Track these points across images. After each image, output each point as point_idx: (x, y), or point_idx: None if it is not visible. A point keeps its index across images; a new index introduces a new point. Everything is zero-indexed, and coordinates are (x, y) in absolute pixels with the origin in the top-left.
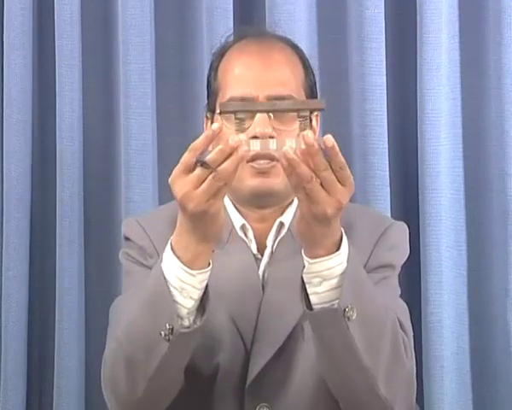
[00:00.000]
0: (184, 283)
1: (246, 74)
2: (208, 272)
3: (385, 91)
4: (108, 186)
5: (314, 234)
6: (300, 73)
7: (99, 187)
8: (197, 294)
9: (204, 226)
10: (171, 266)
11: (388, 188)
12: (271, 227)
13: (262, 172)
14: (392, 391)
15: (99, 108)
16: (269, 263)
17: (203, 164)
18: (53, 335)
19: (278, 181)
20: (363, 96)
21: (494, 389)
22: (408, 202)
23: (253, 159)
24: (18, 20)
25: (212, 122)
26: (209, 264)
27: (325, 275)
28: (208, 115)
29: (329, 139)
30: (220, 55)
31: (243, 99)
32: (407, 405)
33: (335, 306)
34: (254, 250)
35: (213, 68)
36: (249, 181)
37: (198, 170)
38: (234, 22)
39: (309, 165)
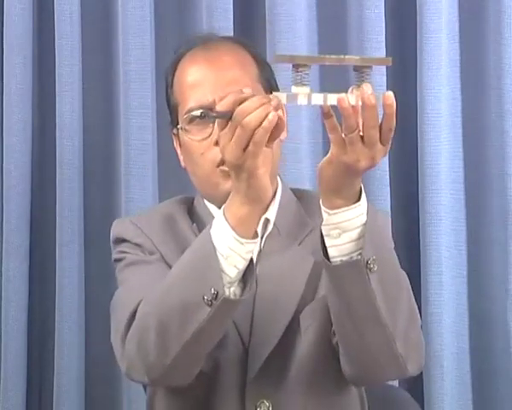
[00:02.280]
0: (232, 250)
1: (198, 83)
2: (256, 244)
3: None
4: (108, 186)
5: (338, 182)
6: (253, 68)
7: (99, 187)
8: (242, 264)
9: (244, 185)
10: (220, 231)
11: (388, 188)
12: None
13: None
14: (406, 350)
15: (99, 108)
16: (258, 259)
17: (219, 115)
18: (53, 335)
19: None
20: None
21: (494, 389)
22: (408, 203)
23: (223, 162)
24: (18, 20)
25: (178, 138)
26: (256, 235)
27: (344, 226)
28: (174, 132)
29: (390, 97)
30: (173, 69)
31: (201, 107)
32: (418, 364)
33: (354, 258)
34: None
35: (169, 84)
36: (223, 185)
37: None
38: (234, 22)
39: (359, 117)
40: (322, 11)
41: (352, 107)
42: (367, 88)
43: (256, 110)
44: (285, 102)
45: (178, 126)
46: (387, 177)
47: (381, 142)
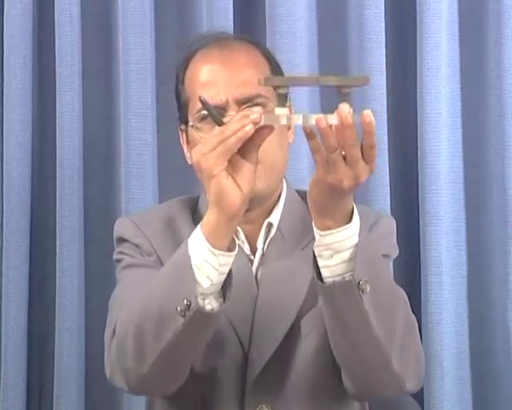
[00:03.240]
0: (205, 261)
1: (212, 82)
2: (231, 258)
3: (385, 91)
4: (108, 186)
5: (325, 203)
6: (266, 69)
7: (99, 187)
8: (215, 275)
9: (207, 188)
10: (196, 240)
11: (388, 188)
12: (259, 228)
13: None
14: (404, 367)
15: (99, 108)
16: (260, 264)
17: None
18: (53, 335)
19: (260, 184)
20: (363, 95)
21: (494, 389)
22: (408, 202)
23: None
24: (18, 20)
25: (186, 135)
26: (233, 249)
27: (336, 247)
28: (182, 128)
29: (368, 115)
30: (184, 66)
31: (214, 106)
32: (416, 381)
33: (347, 279)
34: (247, 251)
35: (180, 80)
36: None
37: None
38: (234, 22)
39: (338, 137)
40: (322, 11)
41: (334, 127)
42: (344, 107)
43: (237, 122)
44: (263, 122)
45: (189, 124)
46: (387, 177)
47: (364, 160)
